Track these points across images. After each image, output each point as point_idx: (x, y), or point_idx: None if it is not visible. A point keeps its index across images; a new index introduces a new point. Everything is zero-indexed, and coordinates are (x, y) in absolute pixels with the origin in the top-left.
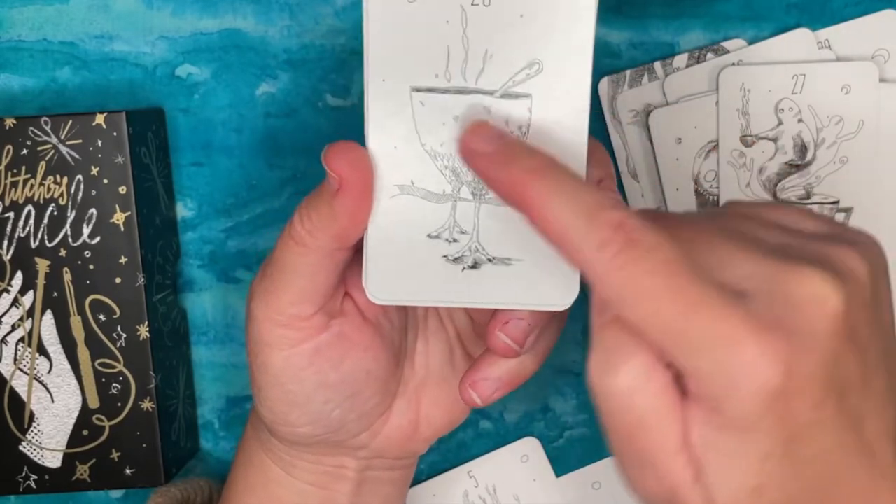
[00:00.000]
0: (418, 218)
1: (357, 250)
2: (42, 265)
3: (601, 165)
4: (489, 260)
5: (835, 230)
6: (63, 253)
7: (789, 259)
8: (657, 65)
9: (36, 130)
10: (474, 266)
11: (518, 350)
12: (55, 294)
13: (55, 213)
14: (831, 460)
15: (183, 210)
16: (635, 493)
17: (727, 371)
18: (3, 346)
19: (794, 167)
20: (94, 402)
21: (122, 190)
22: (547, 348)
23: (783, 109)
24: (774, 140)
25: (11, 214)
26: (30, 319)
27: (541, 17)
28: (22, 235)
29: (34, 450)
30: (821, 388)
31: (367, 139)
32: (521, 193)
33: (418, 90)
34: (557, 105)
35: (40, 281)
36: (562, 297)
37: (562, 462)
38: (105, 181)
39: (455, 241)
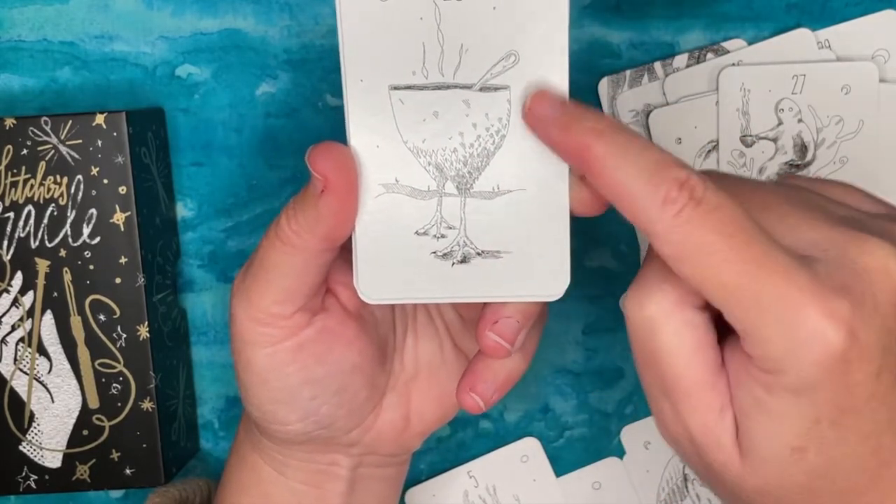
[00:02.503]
0: (405, 215)
1: (344, 249)
2: (42, 265)
3: None
4: (478, 254)
5: (893, 211)
6: (63, 253)
7: (856, 230)
8: (657, 65)
9: (36, 130)
10: (464, 261)
11: (509, 349)
12: (55, 294)
13: (55, 213)
14: (882, 439)
15: (183, 210)
16: (660, 431)
17: (790, 333)
18: (3, 346)
19: (795, 167)
20: (94, 402)
21: (122, 190)
22: (534, 346)
23: (783, 109)
24: (774, 140)
25: (11, 214)
26: (30, 319)
27: (514, 8)
28: (22, 235)
29: (34, 450)
30: (881, 357)
31: (348, 139)
32: (584, 154)
33: (397, 88)
34: None
35: (40, 281)
36: (554, 287)
37: (562, 462)
38: (105, 181)
39: (443, 236)
